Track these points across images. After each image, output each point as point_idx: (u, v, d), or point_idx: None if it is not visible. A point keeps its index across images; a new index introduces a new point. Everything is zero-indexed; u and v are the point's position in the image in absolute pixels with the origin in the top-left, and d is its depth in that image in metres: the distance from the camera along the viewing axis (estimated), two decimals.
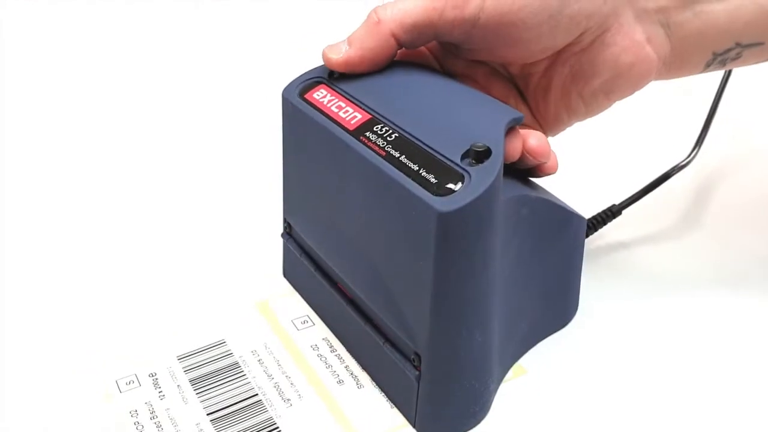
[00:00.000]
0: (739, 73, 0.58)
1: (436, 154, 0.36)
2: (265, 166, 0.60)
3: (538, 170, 0.40)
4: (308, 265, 0.45)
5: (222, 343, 0.44)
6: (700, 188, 0.58)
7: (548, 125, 0.44)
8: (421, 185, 0.35)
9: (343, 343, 0.44)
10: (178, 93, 0.73)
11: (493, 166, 0.34)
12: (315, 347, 0.44)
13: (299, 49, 0.46)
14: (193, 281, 0.49)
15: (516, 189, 0.38)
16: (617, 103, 0.43)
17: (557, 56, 0.41)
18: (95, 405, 0.40)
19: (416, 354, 0.38)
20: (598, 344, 0.44)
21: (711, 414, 0.40)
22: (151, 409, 0.40)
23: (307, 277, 0.46)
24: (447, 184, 0.34)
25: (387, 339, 0.40)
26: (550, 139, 0.42)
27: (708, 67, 0.43)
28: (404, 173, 0.35)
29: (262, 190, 0.57)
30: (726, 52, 0.42)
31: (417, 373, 0.38)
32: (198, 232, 0.53)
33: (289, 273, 0.49)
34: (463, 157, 0.35)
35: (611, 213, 0.49)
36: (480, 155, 0.35)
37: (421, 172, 0.35)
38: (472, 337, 0.37)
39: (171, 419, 0.40)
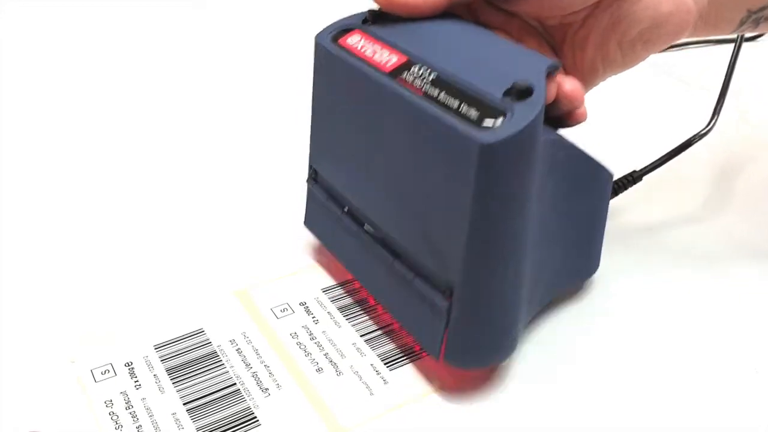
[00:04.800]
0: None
1: (476, 92, 0.36)
2: (252, 158, 0.60)
3: (570, 118, 0.40)
4: (335, 208, 0.45)
5: (200, 332, 0.43)
6: (720, 157, 0.58)
7: (583, 78, 0.43)
8: (462, 120, 0.35)
9: (365, 286, 0.44)
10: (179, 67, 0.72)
11: (536, 104, 0.34)
12: (294, 335, 0.43)
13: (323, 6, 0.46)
14: (172, 270, 0.48)
15: (553, 133, 0.39)
16: (634, 71, 0.44)
17: (598, 4, 0.41)
18: (69, 395, 0.39)
19: (448, 287, 0.38)
20: (610, 313, 0.44)
21: (728, 392, 0.40)
22: (126, 399, 0.39)
23: (331, 222, 0.46)
24: (488, 118, 0.34)
25: (416, 274, 0.40)
26: None
27: (742, 25, 0.44)
28: (444, 109, 0.36)
29: (245, 179, 0.57)
30: (760, 11, 0.43)
31: (447, 304, 0.38)
32: (177, 220, 0.53)
33: (311, 220, 0.49)
34: (505, 94, 0.35)
35: (632, 179, 0.49)
36: (522, 93, 0.35)
37: (461, 108, 0.35)
38: (505, 271, 0.37)
39: (147, 409, 0.39)
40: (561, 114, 0.40)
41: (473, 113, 0.35)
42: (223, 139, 0.62)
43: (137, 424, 0.38)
